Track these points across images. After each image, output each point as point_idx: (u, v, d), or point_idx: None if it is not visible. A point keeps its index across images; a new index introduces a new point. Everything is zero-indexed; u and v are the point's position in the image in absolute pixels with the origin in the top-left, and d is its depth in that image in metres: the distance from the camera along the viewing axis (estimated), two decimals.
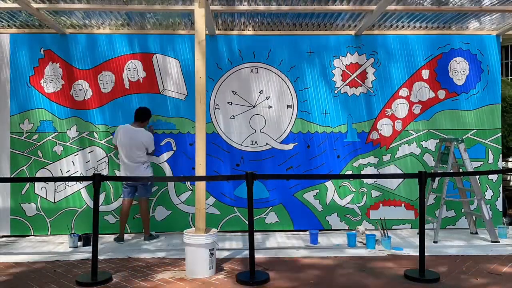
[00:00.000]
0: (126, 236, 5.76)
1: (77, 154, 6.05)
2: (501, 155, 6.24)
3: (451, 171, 5.64)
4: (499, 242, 5.36)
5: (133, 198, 5.66)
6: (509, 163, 7.26)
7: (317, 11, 5.42)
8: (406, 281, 4.03)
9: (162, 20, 5.82)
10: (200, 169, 4.27)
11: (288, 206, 6.14)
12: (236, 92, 6.13)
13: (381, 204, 6.18)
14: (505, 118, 6.56)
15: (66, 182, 6.00)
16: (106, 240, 5.61)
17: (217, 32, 6.07)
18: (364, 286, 3.93)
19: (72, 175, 5.99)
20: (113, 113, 6.04)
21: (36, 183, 5.98)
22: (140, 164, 5.54)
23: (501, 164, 6.24)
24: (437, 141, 6.17)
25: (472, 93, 6.21)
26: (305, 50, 6.15)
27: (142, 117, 5.64)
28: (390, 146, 6.19)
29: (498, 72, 6.29)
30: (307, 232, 5.59)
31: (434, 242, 5.39)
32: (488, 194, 6.18)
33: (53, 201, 6.02)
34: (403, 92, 6.21)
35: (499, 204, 6.19)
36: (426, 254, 4.19)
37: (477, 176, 5.73)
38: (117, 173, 5.95)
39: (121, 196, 5.75)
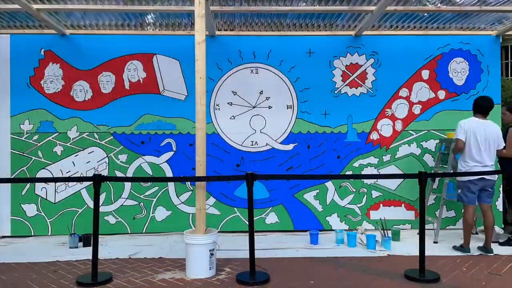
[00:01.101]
0: (126, 236, 5.75)
1: (77, 155, 6.05)
2: None
3: (451, 171, 5.64)
4: (499, 242, 5.35)
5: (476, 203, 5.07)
6: None
7: (317, 12, 5.42)
8: (406, 281, 4.03)
9: (162, 20, 5.83)
10: (200, 170, 4.27)
11: (288, 207, 6.14)
12: (236, 93, 6.14)
13: (381, 205, 6.18)
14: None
15: (67, 183, 6.00)
16: (106, 240, 5.61)
17: (217, 32, 6.08)
18: (365, 286, 3.93)
19: (73, 176, 5.99)
20: (114, 113, 6.04)
21: (36, 183, 5.99)
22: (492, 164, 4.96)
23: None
24: (437, 141, 6.17)
25: (472, 94, 6.20)
26: (305, 50, 6.15)
27: (486, 109, 5.03)
28: (390, 147, 6.19)
29: (498, 72, 6.29)
30: (307, 233, 5.59)
31: (434, 242, 5.39)
32: None
33: (54, 202, 6.02)
34: (403, 92, 6.21)
35: (499, 204, 6.19)
36: (426, 254, 4.18)
37: None
38: (117, 174, 5.96)
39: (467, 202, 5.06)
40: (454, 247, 5.10)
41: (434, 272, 4.18)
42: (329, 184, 6.15)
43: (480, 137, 4.89)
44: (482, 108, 5.00)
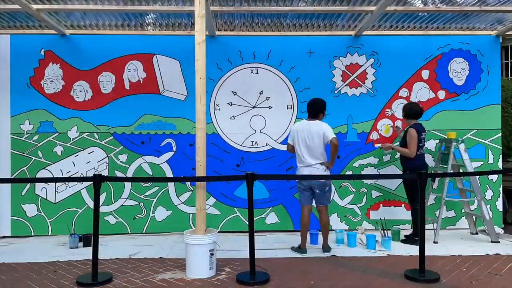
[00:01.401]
0: (126, 236, 5.76)
1: (77, 155, 6.05)
2: (501, 155, 6.24)
3: (451, 171, 5.64)
4: (499, 242, 5.36)
5: (311, 204, 5.14)
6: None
7: (317, 12, 5.42)
8: (407, 281, 4.03)
9: (162, 20, 5.83)
10: (200, 170, 4.28)
11: (288, 207, 6.14)
12: (236, 93, 6.14)
13: (381, 205, 6.18)
14: (507, 119, 6.56)
15: (67, 183, 6.01)
16: (106, 240, 5.61)
17: (217, 32, 6.08)
18: (365, 286, 3.93)
19: (73, 176, 5.99)
20: (114, 113, 6.04)
21: (36, 183, 5.99)
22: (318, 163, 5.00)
23: (501, 164, 6.24)
24: (437, 141, 6.17)
25: (472, 94, 6.21)
26: (305, 50, 6.15)
27: (317, 110, 5.07)
28: None
29: (498, 72, 6.29)
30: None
31: (434, 242, 5.39)
32: (488, 194, 6.18)
33: (54, 202, 6.02)
34: (403, 92, 6.21)
35: (499, 205, 6.19)
36: (426, 254, 4.18)
37: (477, 177, 5.73)
38: (118, 174, 5.96)
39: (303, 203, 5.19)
40: (293, 248, 5.14)
41: (434, 272, 4.18)
42: None
43: (302, 139, 4.98)
44: (308, 111, 5.10)
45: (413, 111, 5.47)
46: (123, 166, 6.04)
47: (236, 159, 6.12)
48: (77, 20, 5.80)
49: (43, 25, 5.83)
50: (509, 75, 8.84)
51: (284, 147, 6.09)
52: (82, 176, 5.99)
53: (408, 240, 5.40)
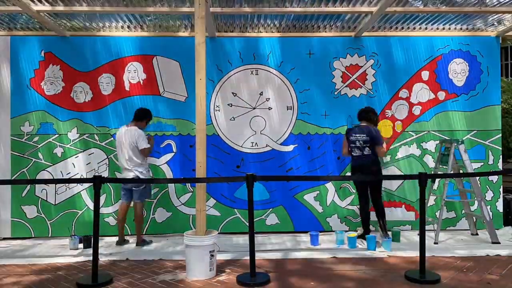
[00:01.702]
0: (127, 237, 5.75)
1: (77, 156, 6.05)
2: (501, 156, 6.24)
3: (451, 172, 5.64)
4: (499, 243, 5.35)
5: (130, 201, 5.56)
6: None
7: (317, 13, 5.43)
8: (407, 282, 4.03)
9: (162, 22, 5.83)
10: (201, 171, 4.27)
11: (288, 208, 6.14)
12: (236, 94, 6.14)
13: None
14: (507, 120, 6.57)
15: (67, 184, 6.01)
16: (107, 242, 5.61)
17: (217, 34, 6.08)
18: (365, 287, 3.93)
19: (73, 177, 5.99)
20: (114, 115, 6.05)
21: (36, 185, 5.99)
22: (134, 166, 5.38)
23: (501, 165, 6.24)
24: (437, 142, 6.17)
25: (472, 94, 6.21)
26: (305, 51, 6.16)
27: (137, 116, 5.49)
28: (390, 147, 6.19)
29: (498, 73, 6.30)
30: (308, 234, 5.59)
31: (435, 243, 5.39)
32: (489, 195, 6.18)
33: (54, 203, 6.02)
34: (403, 93, 6.22)
35: (500, 205, 6.19)
36: (426, 255, 4.18)
37: (477, 177, 5.73)
38: (117, 175, 5.95)
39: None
40: (116, 243, 5.49)
41: (434, 273, 4.18)
42: (329, 185, 6.15)
43: (119, 143, 5.41)
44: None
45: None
46: None
47: (236, 160, 6.12)
48: (77, 22, 5.80)
49: (43, 26, 5.84)
50: (509, 76, 8.85)
51: (284, 148, 6.10)
52: (82, 177, 5.99)
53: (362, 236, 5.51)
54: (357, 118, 5.63)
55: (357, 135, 5.45)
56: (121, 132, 5.47)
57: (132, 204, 5.56)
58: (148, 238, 5.69)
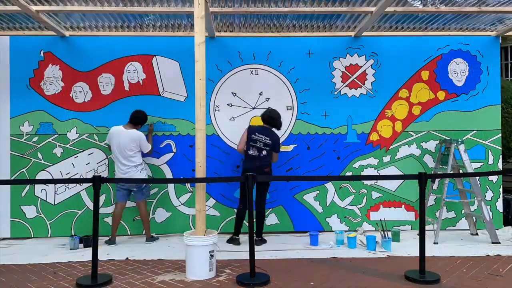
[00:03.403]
0: (127, 238, 5.76)
1: (77, 156, 6.04)
2: (501, 156, 6.24)
3: (451, 172, 5.63)
4: (499, 243, 5.35)
5: (126, 201, 5.62)
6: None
7: (317, 13, 5.42)
8: (407, 282, 4.03)
9: (162, 21, 5.82)
10: (200, 171, 4.27)
11: (288, 208, 6.13)
12: (236, 94, 6.14)
13: (381, 206, 6.17)
14: (507, 120, 6.56)
15: (66, 184, 6.00)
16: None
17: (216, 34, 6.08)
18: (365, 287, 3.92)
19: (72, 177, 5.99)
20: (113, 115, 6.03)
21: (36, 185, 5.98)
22: (132, 166, 5.48)
23: (501, 165, 6.24)
24: (437, 142, 6.16)
25: (472, 94, 6.21)
26: (304, 51, 6.15)
27: (134, 120, 5.59)
28: (390, 147, 6.19)
29: (497, 73, 6.29)
30: (307, 234, 5.58)
31: (435, 243, 5.38)
32: (488, 195, 6.18)
33: (53, 203, 6.01)
34: (403, 93, 6.21)
35: (499, 205, 6.19)
36: (426, 255, 4.18)
37: (477, 177, 5.72)
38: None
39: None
40: (106, 242, 5.49)
41: (434, 273, 4.17)
42: (329, 185, 6.15)
43: (115, 145, 5.46)
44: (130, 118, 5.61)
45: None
46: None
47: (236, 160, 6.11)
48: (76, 22, 5.79)
49: (43, 26, 5.82)
50: (509, 76, 8.84)
51: (284, 148, 6.09)
52: (81, 177, 5.98)
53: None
54: (262, 119, 5.57)
55: (261, 136, 5.45)
56: (118, 133, 5.48)
57: (135, 204, 5.61)
58: (155, 234, 5.80)
